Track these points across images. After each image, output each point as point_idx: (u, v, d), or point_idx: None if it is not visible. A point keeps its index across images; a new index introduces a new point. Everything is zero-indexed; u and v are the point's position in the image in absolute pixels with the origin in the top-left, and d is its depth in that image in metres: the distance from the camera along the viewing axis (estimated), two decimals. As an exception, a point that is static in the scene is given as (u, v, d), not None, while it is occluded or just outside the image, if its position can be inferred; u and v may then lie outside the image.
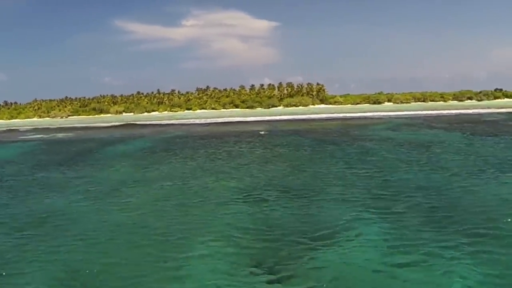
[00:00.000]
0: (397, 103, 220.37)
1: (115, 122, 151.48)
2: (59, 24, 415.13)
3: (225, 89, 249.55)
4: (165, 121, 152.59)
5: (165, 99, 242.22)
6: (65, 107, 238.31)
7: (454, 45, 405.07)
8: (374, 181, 32.57)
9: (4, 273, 18.38)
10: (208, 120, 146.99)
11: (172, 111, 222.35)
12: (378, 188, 30.06)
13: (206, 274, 17.40)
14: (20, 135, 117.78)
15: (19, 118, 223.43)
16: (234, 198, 29.09)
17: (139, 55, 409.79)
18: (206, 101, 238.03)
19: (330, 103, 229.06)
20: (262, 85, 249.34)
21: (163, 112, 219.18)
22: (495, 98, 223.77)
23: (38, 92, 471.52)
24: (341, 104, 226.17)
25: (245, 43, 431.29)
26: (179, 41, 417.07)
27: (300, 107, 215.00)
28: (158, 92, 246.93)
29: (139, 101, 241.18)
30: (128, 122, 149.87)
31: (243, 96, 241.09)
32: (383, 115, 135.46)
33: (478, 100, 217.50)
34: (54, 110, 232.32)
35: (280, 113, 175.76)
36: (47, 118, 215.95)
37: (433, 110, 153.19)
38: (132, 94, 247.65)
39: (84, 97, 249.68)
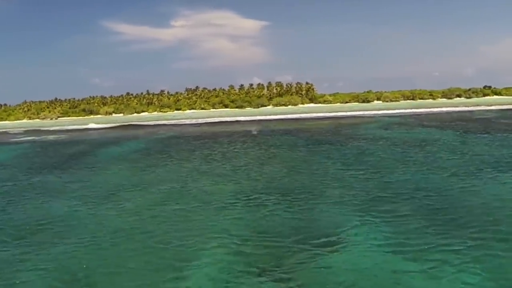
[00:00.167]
0: (386, 101, 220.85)
1: (107, 123, 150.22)
2: (49, 26, 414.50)
3: (215, 89, 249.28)
4: (158, 122, 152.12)
5: (154, 99, 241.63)
6: (55, 108, 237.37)
7: (442, 43, 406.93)
8: (373, 182, 32.50)
9: (4, 282, 18.23)
10: (200, 120, 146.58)
11: (161, 111, 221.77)
12: (378, 189, 30.00)
13: (206, 280, 17.40)
14: (12, 137, 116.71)
15: (8, 120, 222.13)
16: (233, 201, 28.88)
17: (128, 56, 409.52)
18: (196, 101, 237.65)
19: (320, 102, 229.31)
20: (251, 84, 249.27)
21: (152, 113, 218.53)
22: (484, 95, 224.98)
23: (27, 94, 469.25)
24: (331, 103, 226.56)
25: (234, 42, 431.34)
26: (168, 41, 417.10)
27: (290, 107, 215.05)
28: (148, 93, 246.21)
29: (128, 102, 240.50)
30: (123, 124, 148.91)
31: (233, 96, 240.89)
32: (374, 114, 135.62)
33: (467, 98, 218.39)
34: (44, 111, 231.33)
35: (270, 112, 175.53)
36: (37, 120, 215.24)
37: (424, 108, 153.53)
38: (122, 95, 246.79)
39: (74, 98, 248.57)
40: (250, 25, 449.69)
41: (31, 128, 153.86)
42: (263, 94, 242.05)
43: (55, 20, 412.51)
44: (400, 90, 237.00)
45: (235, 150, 57.79)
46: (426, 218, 23.14)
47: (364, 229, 22.12)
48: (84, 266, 19.20)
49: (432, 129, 74.47)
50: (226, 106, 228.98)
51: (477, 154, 42.74)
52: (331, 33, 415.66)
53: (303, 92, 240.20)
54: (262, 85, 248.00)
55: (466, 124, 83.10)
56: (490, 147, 47.87)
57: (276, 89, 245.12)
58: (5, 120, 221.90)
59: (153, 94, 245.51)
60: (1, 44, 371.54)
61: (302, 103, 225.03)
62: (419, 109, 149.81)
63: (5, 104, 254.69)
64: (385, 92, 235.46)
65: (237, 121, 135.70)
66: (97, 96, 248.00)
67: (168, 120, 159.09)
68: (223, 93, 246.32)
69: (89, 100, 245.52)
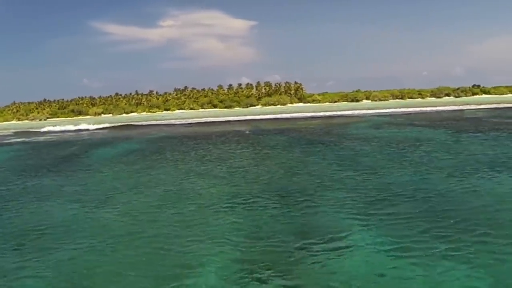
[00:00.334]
0: (375, 100, 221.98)
1: (100, 124, 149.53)
2: (37, 27, 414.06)
3: (203, 89, 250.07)
4: (153, 122, 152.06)
5: (143, 100, 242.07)
6: (44, 109, 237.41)
7: (431, 42, 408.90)
8: (371, 183, 32.39)
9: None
10: (190, 120, 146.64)
11: (150, 112, 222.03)
12: (376, 190, 29.85)
13: (206, 282, 17.38)
14: (2, 139, 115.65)
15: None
16: (231, 204, 28.62)
17: (117, 56, 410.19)
18: (184, 101, 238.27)
19: (308, 102, 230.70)
20: (240, 84, 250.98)
21: (141, 113, 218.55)
22: (473, 94, 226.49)
23: (16, 95, 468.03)
24: (319, 103, 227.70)
25: (223, 42, 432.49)
26: (157, 41, 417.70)
27: (279, 106, 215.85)
28: (136, 93, 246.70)
29: (117, 103, 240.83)
30: (119, 124, 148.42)
31: (221, 96, 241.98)
32: (364, 113, 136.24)
33: (456, 97, 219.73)
34: (33, 112, 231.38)
35: (260, 112, 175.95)
36: (26, 121, 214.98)
37: (413, 107, 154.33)
38: (111, 96, 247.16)
39: (63, 99, 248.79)
40: (239, 25, 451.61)
41: (20, 130, 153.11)
42: (252, 94, 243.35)
43: (43, 21, 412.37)
44: (389, 90, 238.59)
45: (230, 150, 57.65)
46: (426, 219, 23.05)
47: (363, 231, 22.00)
48: (85, 272, 19.03)
49: (424, 129, 75.06)
50: (215, 106, 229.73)
51: (472, 154, 42.90)
52: (319, 32, 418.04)
53: (292, 92, 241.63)
54: (251, 85, 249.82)
55: (458, 123, 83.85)
56: (484, 146, 48.13)
57: (265, 89, 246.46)
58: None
59: (142, 95, 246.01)
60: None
61: (291, 103, 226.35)
62: (409, 108, 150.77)
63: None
64: (374, 91, 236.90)
65: (227, 121, 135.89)
66: (86, 97, 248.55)
67: (161, 120, 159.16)
68: (212, 93, 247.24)
69: (78, 101, 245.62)
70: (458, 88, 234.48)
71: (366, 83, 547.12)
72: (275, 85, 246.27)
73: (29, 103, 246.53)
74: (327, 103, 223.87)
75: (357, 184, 32.37)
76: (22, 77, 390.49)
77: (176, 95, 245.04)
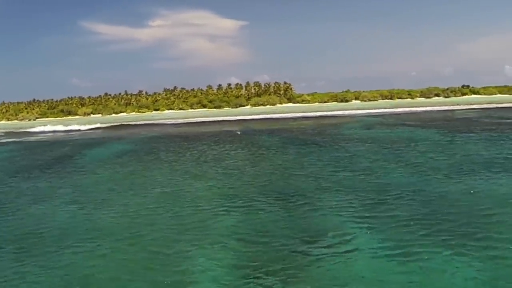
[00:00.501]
0: (365, 100, 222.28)
1: (93, 124, 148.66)
2: (26, 26, 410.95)
3: (193, 89, 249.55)
4: (148, 122, 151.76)
5: (132, 100, 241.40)
6: (33, 109, 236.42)
7: (420, 42, 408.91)
8: (368, 184, 32.44)
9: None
10: (181, 120, 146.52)
11: (139, 112, 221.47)
12: (374, 192, 29.86)
13: (206, 283, 17.44)
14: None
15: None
16: (229, 206, 28.49)
17: (106, 56, 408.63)
18: (174, 101, 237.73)
19: (298, 102, 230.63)
20: (229, 84, 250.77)
21: (130, 113, 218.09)
22: (463, 94, 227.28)
23: (5, 95, 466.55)
24: (309, 103, 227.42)
25: (212, 42, 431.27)
26: (146, 41, 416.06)
27: (268, 106, 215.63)
28: (126, 93, 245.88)
29: (107, 103, 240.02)
30: (113, 124, 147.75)
31: (211, 96, 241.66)
32: (355, 113, 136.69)
33: (446, 97, 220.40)
34: (22, 112, 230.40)
35: (250, 112, 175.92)
36: (16, 121, 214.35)
37: (404, 107, 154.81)
38: (100, 96, 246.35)
39: (52, 99, 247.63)
40: (228, 25, 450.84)
41: (10, 130, 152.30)
42: (241, 94, 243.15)
43: (33, 20, 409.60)
44: (378, 90, 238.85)
45: (224, 151, 57.39)
46: (425, 221, 23.06)
47: (362, 233, 21.98)
48: (82, 276, 18.84)
49: (417, 129, 75.32)
50: (204, 106, 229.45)
51: (467, 154, 43.14)
52: (309, 32, 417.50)
53: (281, 92, 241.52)
54: (240, 85, 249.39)
55: (450, 123, 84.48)
56: (478, 146, 48.37)
57: (254, 89, 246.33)
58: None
59: (131, 95, 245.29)
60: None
61: (281, 103, 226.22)
62: (399, 108, 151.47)
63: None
64: (363, 91, 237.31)
65: (218, 121, 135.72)
66: (75, 97, 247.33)
67: (155, 120, 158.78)
68: (201, 93, 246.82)
69: (67, 101, 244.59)
70: (447, 89, 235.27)
71: (356, 83, 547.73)
72: (265, 85, 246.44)
73: (18, 103, 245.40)
74: (316, 104, 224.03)
75: (355, 185, 32.29)
76: (11, 76, 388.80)
77: (166, 95, 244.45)
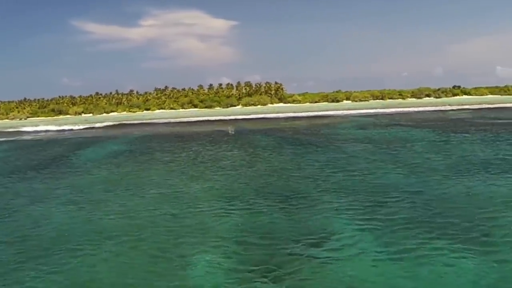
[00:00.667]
0: (356, 101, 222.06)
1: (90, 124, 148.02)
2: (17, 25, 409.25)
3: (184, 89, 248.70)
4: (140, 121, 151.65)
5: (123, 99, 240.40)
6: (24, 108, 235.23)
7: (411, 42, 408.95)
8: (367, 185, 32.56)
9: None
10: (172, 120, 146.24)
11: (130, 111, 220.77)
12: (373, 193, 30.00)
13: (205, 284, 17.51)
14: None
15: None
16: (228, 208, 28.38)
17: (97, 55, 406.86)
18: (165, 101, 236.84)
19: (289, 102, 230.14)
20: (220, 84, 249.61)
21: (121, 113, 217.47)
22: (454, 95, 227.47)
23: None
24: (300, 103, 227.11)
25: (203, 42, 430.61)
26: (137, 41, 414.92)
27: (259, 106, 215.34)
28: (117, 93, 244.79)
29: (97, 102, 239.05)
30: (111, 124, 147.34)
31: (202, 96, 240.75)
32: (347, 114, 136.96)
33: (437, 97, 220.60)
34: (13, 111, 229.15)
35: (242, 112, 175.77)
36: (6, 120, 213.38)
37: (396, 107, 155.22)
38: (91, 95, 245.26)
39: (43, 99, 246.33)
40: (219, 24, 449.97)
41: (2, 129, 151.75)
42: (232, 94, 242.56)
43: (23, 19, 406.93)
44: (369, 90, 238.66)
45: (220, 151, 57.34)
46: (424, 222, 23.17)
47: (360, 233, 22.11)
48: (83, 278, 18.83)
49: (411, 129, 75.65)
50: (195, 106, 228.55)
51: (463, 155, 43.36)
52: (300, 32, 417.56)
53: (272, 92, 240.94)
54: (231, 85, 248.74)
55: (443, 124, 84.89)
56: (474, 147, 48.70)
57: (245, 89, 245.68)
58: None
59: (122, 94, 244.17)
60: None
61: (272, 103, 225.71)
62: (391, 108, 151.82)
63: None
64: (354, 92, 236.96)
65: (211, 120, 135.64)
66: (66, 96, 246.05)
67: (153, 119, 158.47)
68: (192, 93, 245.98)
69: (58, 100, 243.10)
70: (438, 89, 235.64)
71: (347, 83, 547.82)
72: (256, 85, 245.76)
73: (9, 102, 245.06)
74: (307, 104, 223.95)
75: (354, 187, 32.30)
76: (2, 75, 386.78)
77: (157, 94, 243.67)
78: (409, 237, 21.11)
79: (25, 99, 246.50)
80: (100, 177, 42.71)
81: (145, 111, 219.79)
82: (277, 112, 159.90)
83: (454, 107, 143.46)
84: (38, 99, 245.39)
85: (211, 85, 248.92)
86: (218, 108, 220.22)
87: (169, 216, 27.42)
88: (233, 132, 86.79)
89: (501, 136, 57.34)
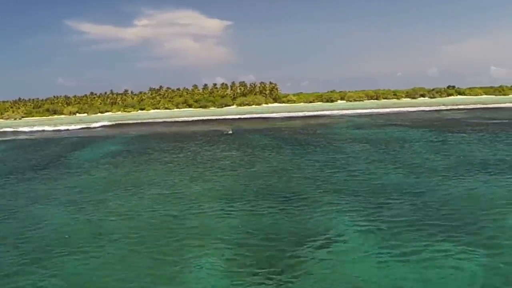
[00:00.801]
0: (350, 101, 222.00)
1: (86, 123, 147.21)
2: (11, 26, 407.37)
3: (178, 89, 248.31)
4: (127, 121, 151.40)
5: (118, 99, 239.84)
6: (19, 108, 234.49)
7: (406, 42, 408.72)
8: (367, 185, 32.64)
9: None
10: (168, 119, 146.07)
11: (125, 111, 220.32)
12: (374, 193, 30.10)
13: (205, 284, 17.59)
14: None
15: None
16: (228, 208, 28.40)
17: (91, 55, 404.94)
18: (160, 101, 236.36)
19: (283, 102, 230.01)
20: (215, 84, 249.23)
21: (116, 113, 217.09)
22: (448, 95, 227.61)
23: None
24: (294, 103, 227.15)
25: (198, 42, 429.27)
26: (132, 41, 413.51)
27: (254, 106, 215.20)
28: (111, 93, 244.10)
29: (92, 102, 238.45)
30: (113, 123, 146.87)
31: (196, 96, 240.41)
32: (343, 114, 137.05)
33: (431, 98, 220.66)
34: (8, 111, 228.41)
35: (237, 112, 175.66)
36: (1, 120, 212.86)
37: (390, 108, 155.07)
38: (86, 95, 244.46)
39: (38, 98, 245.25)
40: (214, 24, 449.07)
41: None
42: (226, 94, 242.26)
43: (18, 19, 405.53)
44: (364, 90, 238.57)
45: (218, 151, 57.31)
46: (424, 223, 23.24)
47: (363, 234, 22.13)
48: (87, 282, 18.72)
49: (408, 129, 75.92)
50: (190, 106, 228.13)
51: (461, 155, 43.60)
52: (294, 32, 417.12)
53: (267, 92, 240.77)
54: (226, 84, 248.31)
55: (440, 124, 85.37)
56: (471, 147, 48.98)
57: (240, 88, 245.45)
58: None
59: (117, 94, 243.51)
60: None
61: (266, 103, 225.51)
62: (386, 108, 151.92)
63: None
64: (349, 92, 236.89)
65: (207, 120, 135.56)
66: (60, 96, 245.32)
67: (150, 119, 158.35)
68: (186, 92, 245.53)
69: (53, 100, 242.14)
70: (433, 89, 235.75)
71: (341, 83, 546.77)
72: (250, 85, 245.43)
73: (3, 102, 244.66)
74: (302, 103, 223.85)
75: (354, 187, 32.35)
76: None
77: (151, 94, 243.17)
78: (412, 238, 21.09)
79: (19, 99, 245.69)
80: (99, 177, 42.54)
81: (139, 111, 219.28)
82: (272, 112, 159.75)
83: (449, 107, 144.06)
84: (33, 99, 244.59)
85: (205, 85, 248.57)
86: (213, 108, 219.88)
87: (170, 217, 27.33)
88: (231, 132, 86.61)
89: (498, 136, 57.63)
